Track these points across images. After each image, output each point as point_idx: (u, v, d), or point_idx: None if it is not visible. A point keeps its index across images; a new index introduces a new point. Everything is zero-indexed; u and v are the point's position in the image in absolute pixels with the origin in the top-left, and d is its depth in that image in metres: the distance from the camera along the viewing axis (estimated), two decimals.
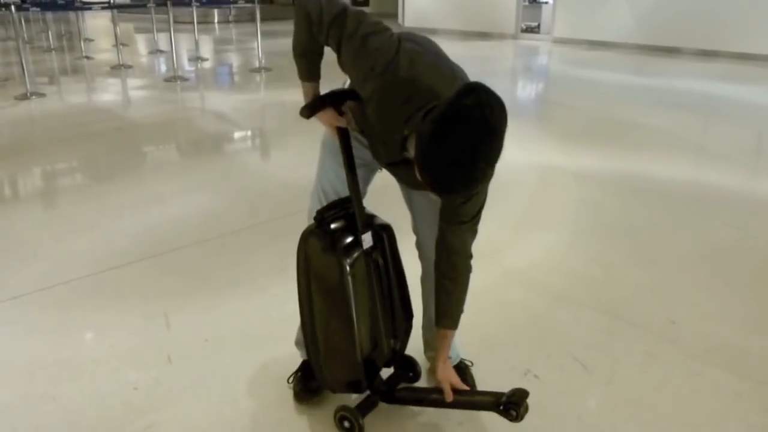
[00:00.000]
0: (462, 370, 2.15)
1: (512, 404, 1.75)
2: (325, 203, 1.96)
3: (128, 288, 2.93)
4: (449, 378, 1.90)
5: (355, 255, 1.81)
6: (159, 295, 2.85)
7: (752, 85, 8.97)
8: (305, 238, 1.86)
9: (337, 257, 1.78)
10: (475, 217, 1.77)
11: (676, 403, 2.13)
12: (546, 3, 14.70)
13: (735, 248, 3.45)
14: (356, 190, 1.90)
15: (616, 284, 3.00)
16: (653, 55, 11.82)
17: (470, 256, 1.84)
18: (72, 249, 3.35)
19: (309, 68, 1.99)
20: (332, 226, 1.84)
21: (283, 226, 3.66)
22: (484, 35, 14.83)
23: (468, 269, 1.85)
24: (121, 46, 10.57)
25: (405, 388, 2.05)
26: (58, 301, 2.80)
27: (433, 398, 1.97)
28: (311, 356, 1.95)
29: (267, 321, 2.62)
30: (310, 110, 1.84)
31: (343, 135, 1.88)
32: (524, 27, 14.71)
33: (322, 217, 1.85)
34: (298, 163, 5.02)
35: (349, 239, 1.83)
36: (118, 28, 11.25)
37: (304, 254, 1.87)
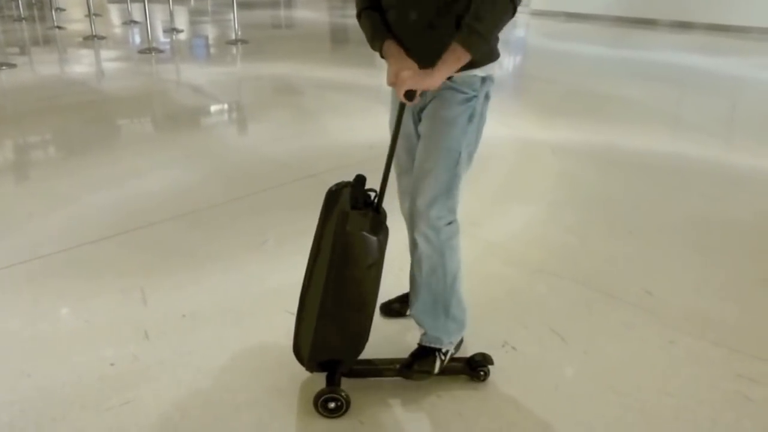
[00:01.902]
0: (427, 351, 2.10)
1: (479, 364, 2.04)
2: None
3: (104, 263, 2.89)
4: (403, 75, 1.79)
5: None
6: (135, 270, 2.82)
7: (727, 57, 9.03)
8: (347, 214, 1.81)
9: (379, 239, 1.80)
10: None
11: (651, 371, 2.16)
12: None
13: (710, 219, 3.50)
14: (390, 165, 1.92)
15: (593, 256, 3.03)
16: (630, 27, 11.83)
17: None
18: (46, 224, 3.30)
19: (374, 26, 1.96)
20: (373, 207, 1.88)
21: (261, 200, 3.64)
22: None
23: None
24: (94, 17, 10.33)
25: (363, 361, 2.05)
26: (31, 277, 2.76)
27: (394, 368, 2.02)
28: (300, 326, 1.94)
29: (245, 297, 2.61)
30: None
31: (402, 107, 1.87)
32: None
33: (366, 196, 1.87)
34: (276, 136, 4.98)
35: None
36: None
37: (342, 228, 1.79)
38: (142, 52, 8.70)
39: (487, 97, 1.91)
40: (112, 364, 2.15)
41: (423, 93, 1.89)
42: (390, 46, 1.88)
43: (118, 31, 11.54)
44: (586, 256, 3.03)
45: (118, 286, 2.67)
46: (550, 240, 3.20)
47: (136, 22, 11.74)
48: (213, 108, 6.21)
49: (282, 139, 4.88)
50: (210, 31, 11.97)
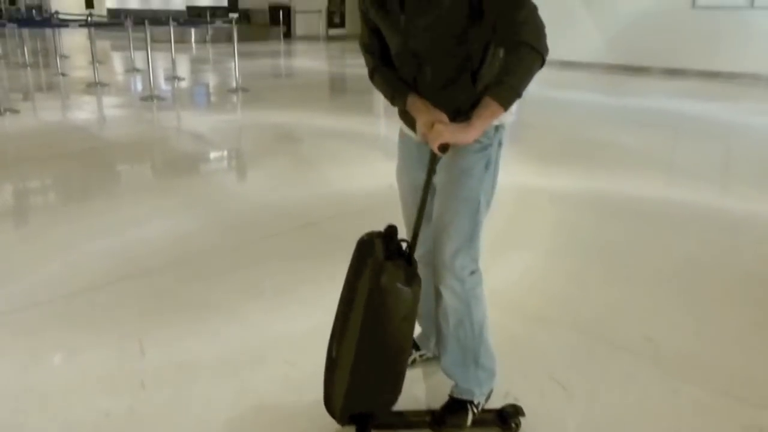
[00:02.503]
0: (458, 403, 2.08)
1: (511, 416, 2.04)
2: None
3: (101, 311, 2.87)
4: (437, 125, 1.77)
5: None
6: (133, 318, 2.80)
7: (718, 102, 9.16)
8: (382, 265, 1.80)
9: (413, 291, 1.81)
10: None
11: (655, 423, 2.13)
12: None
13: (708, 264, 3.49)
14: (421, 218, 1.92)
15: (592, 303, 3.02)
16: (623, 75, 12.03)
17: (523, 38, 1.68)
18: (44, 271, 3.29)
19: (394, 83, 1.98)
20: (408, 257, 1.88)
21: (259, 248, 3.64)
22: None
23: (523, 41, 1.67)
24: (97, 64, 10.49)
25: (394, 413, 2.02)
26: (27, 325, 2.74)
27: (425, 421, 2.01)
28: (332, 378, 1.92)
29: (244, 347, 2.58)
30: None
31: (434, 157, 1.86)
32: None
33: (399, 246, 1.87)
34: (275, 184, 5.00)
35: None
36: (94, 45, 11.18)
37: (376, 280, 1.78)
38: (143, 99, 8.81)
39: (500, 144, 1.94)
40: (107, 415, 2.12)
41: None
42: (415, 100, 1.89)
43: (120, 78, 11.71)
44: (586, 303, 3.02)
45: (115, 336, 2.65)
46: (550, 287, 3.20)
47: (138, 70, 11.92)
48: (213, 155, 6.26)
49: (281, 187, 4.90)
50: (211, 79, 12.15)
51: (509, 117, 1.92)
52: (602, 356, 2.54)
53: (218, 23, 13.64)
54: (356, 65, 14.61)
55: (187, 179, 5.19)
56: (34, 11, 25.15)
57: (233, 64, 9.98)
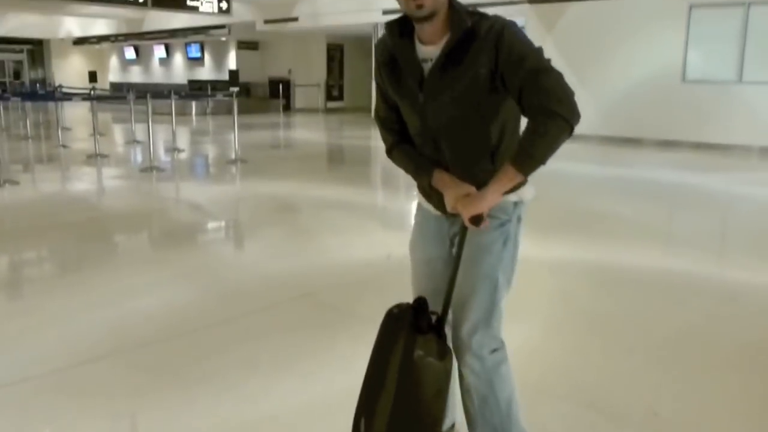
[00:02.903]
0: None
1: None
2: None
3: (94, 386, 2.82)
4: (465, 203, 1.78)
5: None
6: (127, 392, 2.74)
7: (712, 173, 9.28)
8: (415, 340, 1.79)
9: (445, 365, 1.80)
10: (530, 56, 1.69)
11: None
12: None
13: (708, 335, 3.46)
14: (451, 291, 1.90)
15: (595, 375, 2.97)
16: (618, 146, 12.24)
17: (553, 107, 1.66)
18: (36, 343, 3.24)
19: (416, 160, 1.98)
20: (438, 331, 1.87)
21: (256, 320, 3.60)
22: None
23: (553, 111, 1.66)
24: (98, 136, 10.66)
25: None
26: (16, 401, 2.67)
27: None
28: None
29: (240, 421, 2.52)
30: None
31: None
32: None
33: (429, 320, 1.86)
34: (273, 254, 5.00)
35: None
36: (96, 117, 11.39)
37: (410, 355, 1.77)
38: (143, 170, 8.91)
39: (519, 220, 1.93)
40: None
41: (455, 219, 1.90)
42: (441, 175, 1.88)
43: (121, 150, 11.87)
44: (587, 375, 2.97)
45: (109, 410, 2.58)
46: (550, 359, 3.15)
47: (138, 142, 12.10)
48: (210, 226, 6.29)
49: (278, 257, 4.90)
50: (210, 151, 12.33)
51: (529, 194, 1.91)
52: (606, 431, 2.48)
53: (219, 96, 13.95)
54: (354, 137, 14.87)
55: (185, 250, 5.19)
56: (38, 85, 25.75)
57: (233, 135, 10.14)
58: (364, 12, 16.89)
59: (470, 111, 1.79)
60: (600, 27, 12.70)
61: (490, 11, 1.86)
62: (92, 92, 12.48)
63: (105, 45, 29.37)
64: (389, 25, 1.88)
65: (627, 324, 3.63)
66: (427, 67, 1.81)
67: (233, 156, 9.93)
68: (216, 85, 22.55)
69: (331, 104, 22.86)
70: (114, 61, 31.35)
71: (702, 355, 3.21)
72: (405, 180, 9.13)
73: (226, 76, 23.72)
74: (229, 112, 11.31)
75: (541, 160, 1.70)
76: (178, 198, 7.63)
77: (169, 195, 7.76)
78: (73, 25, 27.98)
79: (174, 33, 23.76)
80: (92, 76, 29.16)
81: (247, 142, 11.65)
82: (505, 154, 1.81)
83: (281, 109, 22.03)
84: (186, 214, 6.66)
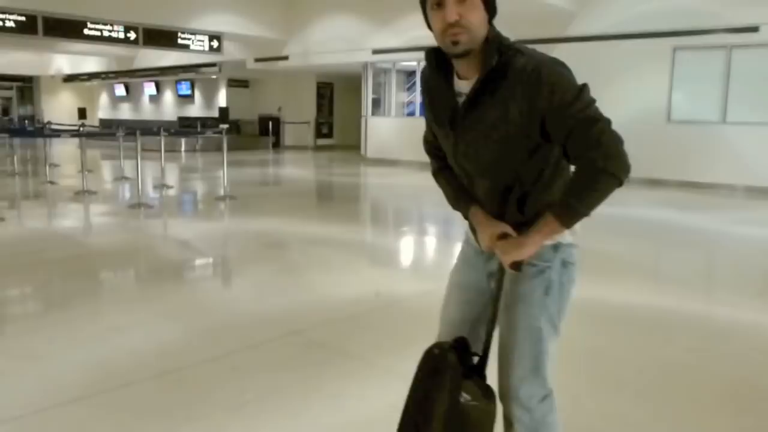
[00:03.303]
0: None
1: None
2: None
3: (77, 427, 2.76)
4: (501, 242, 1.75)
5: None
6: None
7: (697, 212, 9.37)
8: (460, 383, 1.77)
9: (490, 408, 1.79)
10: (576, 101, 1.62)
11: None
12: None
13: (698, 372, 3.45)
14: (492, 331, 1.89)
15: (587, 415, 2.94)
16: None
17: (601, 163, 1.62)
18: (17, 383, 3.18)
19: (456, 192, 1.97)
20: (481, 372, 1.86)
21: (243, 358, 3.56)
22: None
23: (601, 167, 1.62)
24: (86, 172, 10.64)
25: None
26: None
27: None
28: None
29: None
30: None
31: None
32: None
33: (472, 361, 1.86)
34: (261, 291, 4.97)
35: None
36: (84, 154, 11.38)
37: (458, 400, 1.75)
38: (131, 207, 8.87)
39: (565, 264, 1.84)
40: None
41: (492, 257, 1.87)
42: (477, 212, 1.86)
43: (109, 186, 11.85)
44: (579, 416, 2.93)
45: None
46: None
47: (127, 178, 12.07)
48: (198, 263, 6.25)
49: (266, 294, 4.87)
50: (199, 187, 12.33)
51: (569, 236, 1.83)
52: None
53: (208, 133, 14.00)
54: (343, 174, 14.95)
55: (171, 287, 5.15)
56: (26, 121, 25.78)
57: (222, 172, 10.16)
58: (354, 51, 17.14)
59: (499, 151, 1.73)
60: (586, 68, 12.81)
61: None
62: (81, 129, 12.48)
63: (95, 82, 29.56)
64: (427, 54, 1.80)
65: (616, 361, 3.62)
66: (461, 101, 1.75)
67: (222, 192, 9.92)
68: (206, 122, 22.70)
69: (321, 141, 23.01)
70: (104, 97, 31.54)
71: (691, 393, 3.20)
72: (394, 217, 9.17)
73: (216, 113, 23.90)
74: (219, 149, 11.35)
75: (586, 214, 1.66)
76: (165, 234, 7.60)
77: (157, 231, 7.72)
78: (63, 63, 28.20)
79: (164, 71, 23.96)
80: (81, 113, 29.27)
81: (236, 178, 11.67)
82: (536, 201, 1.76)
83: (271, 147, 22.14)
84: (173, 250, 6.63)
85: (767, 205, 10.39)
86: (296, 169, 16.31)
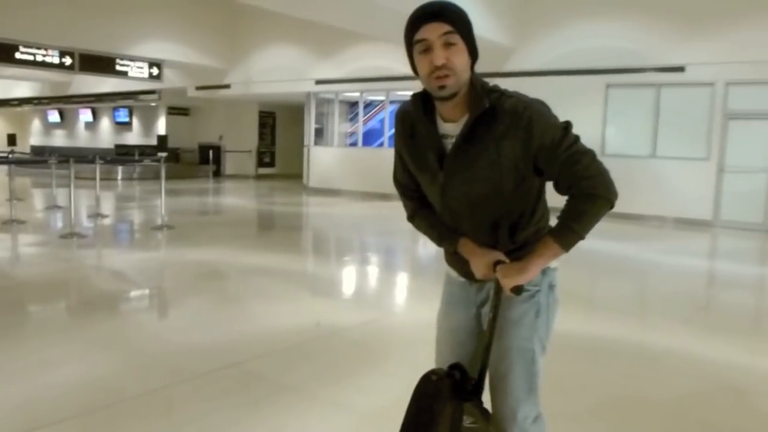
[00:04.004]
0: None
1: None
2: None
3: None
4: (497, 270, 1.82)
5: None
6: None
7: (630, 242, 9.69)
8: (461, 407, 1.84)
9: (489, 428, 1.86)
10: (564, 139, 1.76)
11: None
12: None
13: (632, 398, 3.54)
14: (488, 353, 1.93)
15: None
16: None
17: (593, 190, 1.78)
18: None
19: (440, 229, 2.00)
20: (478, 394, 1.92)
21: (179, 392, 3.45)
22: (385, 196, 15.45)
23: (595, 192, 1.78)
24: (15, 201, 10.23)
25: None
26: None
27: None
28: None
29: None
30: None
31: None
32: None
33: (473, 385, 1.91)
34: (197, 323, 4.85)
35: None
36: (12, 181, 10.96)
37: (460, 423, 1.82)
38: (63, 237, 8.55)
39: (551, 287, 1.95)
40: None
41: (482, 285, 1.95)
42: (467, 243, 1.91)
43: (40, 215, 11.42)
44: None
45: None
46: None
47: (59, 207, 11.67)
48: (133, 294, 6.07)
49: (204, 326, 4.75)
50: (136, 217, 12.02)
51: (555, 260, 1.93)
52: None
53: (146, 161, 13.71)
54: (285, 203, 14.85)
55: (104, 319, 4.97)
56: None
57: (160, 201, 9.94)
58: (297, 81, 17.18)
59: (490, 189, 1.81)
60: None
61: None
62: (10, 155, 12.03)
63: (27, 107, 28.60)
64: (414, 98, 1.90)
65: (553, 389, 3.65)
66: (447, 143, 1.83)
67: (160, 222, 9.70)
68: (144, 150, 22.25)
69: (263, 170, 22.84)
70: (36, 123, 30.53)
71: (625, 418, 3.27)
72: (336, 246, 9.15)
73: (155, 141, 23.46)
74: (157, 177, 11.14)
75: (582, 236, 1.79)
76: (99, 265, 7.36)
77: (90, 262, 7.47)
78: None
79: (101, 97, 23.43)
80: (11, 139, 28.23)
81: (174, 207, 11.44)
82: (525, 231, 1.87)
83: (211, 175, 21.84)
84: (107, 281, 6.42)
85: (695, 236, 10.84)
86: (237, 198, 16.12)
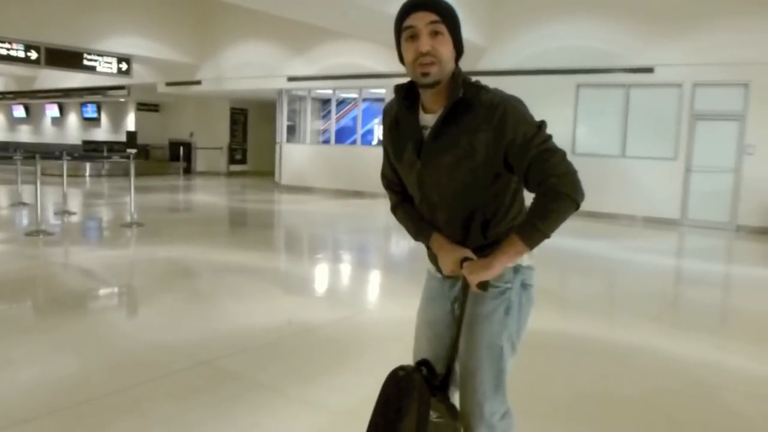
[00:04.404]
0: None
1: None
2: None
3: None
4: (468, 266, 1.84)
5: None
6: None
7: (600, 240, 9.82)
8: (428, 403, 1.85)
9: (456, 425, 1.87)
10: (536, 136, 1.78)
11: None
12: None
13: (600, 395, 3.58)
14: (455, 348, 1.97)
15: None
16: None
17: (560, 188, 1.78)
18: None
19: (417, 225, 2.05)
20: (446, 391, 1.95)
21: (148, 391, 3.41)
22: (358, 194, 15.46)
23: (562, 191, 1.78)
24: None
25: None
26: None
27: None
28: None
29: None
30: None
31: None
32: None
33: (440, 381, 1.94)
34: (168, 321, 4.79)
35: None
36: None
37: (427, 418, 1.82)
38: (29, 234, 8.37)
39: (524, 285, 1.96)
40: None
41: (454, 281, 1.98)
42: (438, 237, 1.95)
43: (4, 212, 11.19)
44: None
45: None
46: None
47: (25, 204, 11.43)
48: (101, 292, 5.97)
49: (174, 324, 4.70)
50: (105, 214, 11.83)
51: (527, 258, 1.95)
52: None
53: (115, 158, 13.51)
54: (257, 200, 14.74)
55: (71, 318, 4.88)
56: None
57: (129, 198, 9.79)
58: (269, 78, 17.07)
59: (464, 180, 1.85)
60: None
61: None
62: None
63: None
64: (397, 88, 1.95)
65: (522, 386, 3.68)
66: (426, 133, 1.88)
67: (129, 219, 9.55)
68: (113, 147, 21.90)
69: (234, 167, 22.65)
70: (0, 119, 29.87)
71: (595, 415, 3.31)
72: (308, 244, 9.10)
73: (124, 138, 23.09)
74: (126, 174, 10.97)
75: (547, 235, 1.80)
76: (66, 263, 7.22)
77: (57, 260, 7.33)
78: None
79: (69, 92, 23.01)
80: None
81: (144, 205, 11.29)
82: (498, 227, 1.89)
83: (182, 172, 21.60)
84: (74, 279, 6.31)
85: (663, 234, 11.02)
86: (208, 195, 15.96)
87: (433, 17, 1.79)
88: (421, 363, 1.94)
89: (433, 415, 1.82)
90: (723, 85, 11.31)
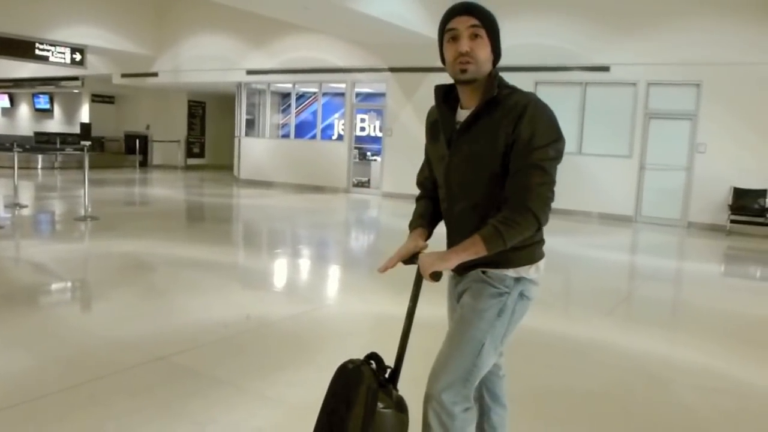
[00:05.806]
0: None
1: None
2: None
3: None
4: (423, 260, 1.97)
5: None
6: None
7: (557, 237, 9.94)
8: (376, 393, 1.89)
9: (403, 418, 1.93)
10: (542, 149, 1.89)
11: None
12: (375, 161, 15.70)
13: (556, 390, 3.65)
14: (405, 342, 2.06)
15: None
16: None
17: (530, 203, 1.89)
18: None
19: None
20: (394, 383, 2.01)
21: (102, 387, 3.35)
22: (318, 188, 15.40)
23: (531, 210, 1.89)
24: None
25: None
26: None
27: None
28: None
29: None
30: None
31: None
32: (355, 182, 15.51)
33: (388, 372, 2.01)
34: (123, 316, 4.71)
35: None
36: None
37: (374, 408, 1.87)
38: None
39: (522, 296, 2.02)
40: None
41: (459, 281, 2.07)
42: (411, 235, 2.10)
43: None
44: None
45: None
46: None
47: None
48: (54, 287, 5.83)
49: (129, 319, 4.62)
50: (58, 207, 11.54)
51: (532, 272, 2.02)
52: None
53: (68, 150, 13.20)
54: (215, 194, 14.57)
55: (21, 313, 4.75)
56: None
57: (83, 191, 9.58)
58: (228, 71, 16.86)
59: (484, 174, 1.95)
60: None
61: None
62: None
63: None
64: (436, 89, 2.10)
65: None
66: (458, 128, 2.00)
67: (83, 213, 9.35)
68: (66, 139, 21.34)
69: (192, 161, 22.32)
70: None
71: (548, 410, 3.38)
72: (267, 239, 9.02)
73: (77, 130, 22.53)
74: (80, 167, 10.73)
75: (506, 244, 1.88)
76: (17, 257, 7.03)
77: (8, 254, 7.12)
78: None
79: (20, 82, 22.33)
80: None
81: (99, 198, 11.05)
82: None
83: (138, 165, 21.20)
84: (26, 274, 6.15)
85: (617, 231, 11.26)
86: (165, 189, 15.70)
87: (474, 21, 1.96)
88: (370, 356, 2.00)
89: (380, 405, 1.86)
90: (676, 85, 11.61)
